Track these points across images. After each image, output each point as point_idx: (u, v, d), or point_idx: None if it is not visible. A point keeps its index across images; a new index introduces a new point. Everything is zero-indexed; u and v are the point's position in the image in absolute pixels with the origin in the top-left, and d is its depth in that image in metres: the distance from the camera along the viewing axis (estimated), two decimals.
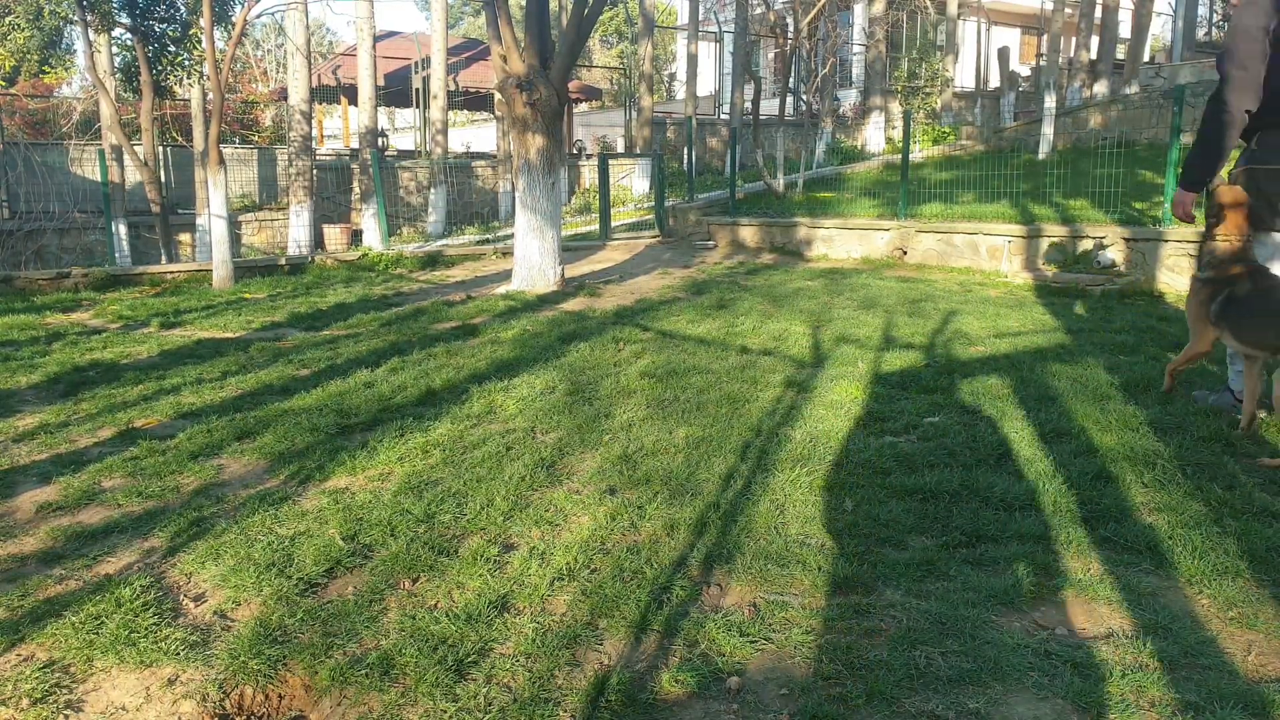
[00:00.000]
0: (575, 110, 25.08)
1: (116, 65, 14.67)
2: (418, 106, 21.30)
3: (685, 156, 16.00)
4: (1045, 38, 23.32)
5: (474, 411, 4.36)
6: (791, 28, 18.03)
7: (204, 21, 10.21)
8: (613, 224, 13.60)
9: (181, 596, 2.63)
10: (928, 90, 20.61)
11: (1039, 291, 7.56)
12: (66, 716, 2.10)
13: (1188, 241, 7.13)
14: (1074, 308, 6.72)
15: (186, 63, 14.32)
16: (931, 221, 9.63)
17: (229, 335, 6.76)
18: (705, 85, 26.37)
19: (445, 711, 2.03)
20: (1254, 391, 3.57)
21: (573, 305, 7.72)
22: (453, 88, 19.85)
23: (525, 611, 2.46)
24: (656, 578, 2.60)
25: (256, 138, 21.59)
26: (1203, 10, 24.36)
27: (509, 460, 3.63)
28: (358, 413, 4.39)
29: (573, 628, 2.36)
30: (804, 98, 18.52)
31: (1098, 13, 19.80)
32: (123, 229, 14.05)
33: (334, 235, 16.79)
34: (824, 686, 2.08)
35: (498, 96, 15.94)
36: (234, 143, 19.00)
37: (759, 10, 21.95)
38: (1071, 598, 2.45)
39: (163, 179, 14.97)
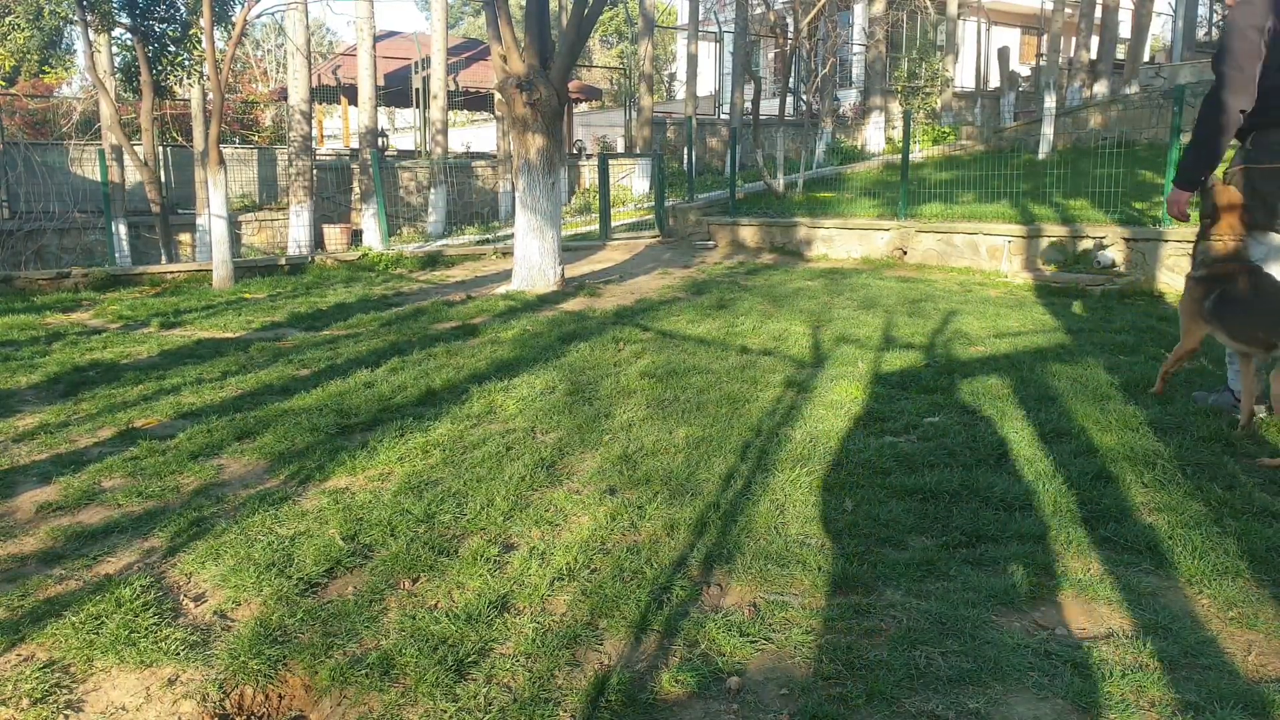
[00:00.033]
0: (575, 110, 25.09)
1: (116, 65, 14.67)
2: (418, 106, 21.30)
3: (685, 156, 16.01)
4: (1045, 38, 23.33)
5: (474, 411, 4.36)
6: (791, 28, 18.03)
7: (204, 21, 10.21)
8: (613, 224, 13.61)
9: (181, 596, 2.63)
10: (928, 90, 20.61)
11: (1039, 291, 7.56)
12: (66, 716, 2.09)
13: (1188, 241, 7.13)
14: (1074, 307, 6.72)
15: (186, 63, 14.33)
16: (931, 221, 9.63)
17: (229, 335, 6.76)
18: (705, 85, 26.37)
19: (445, 711, 2.03)
20: (1250, 390, 3.59)
21: (573, 305, 7.72)
22: (453, 88, 19.86)
23: (525, 611, 2.46)
24: (656, 578, 2.60)
25: (256, 138, 21.59)
26: (1202, 10, 24.36)
27: (509, 460, 3.63)
28: (358, 413, 4.39)
29: (573, 628, 2.36)
30: (804, 98, 18.52)
31: (1098, 13, 19.81)
32: (123, 229, 14.05)
33: (334, 235, 16.79)
34: (824, 686, 2.08)
35: (498, 96, 15.95)
36: (234, 143, 19.01)
37: (759, 10, 21.95)
38: (1071, 598, 2.45)
39: (163, 179, 14.97)
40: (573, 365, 5.24)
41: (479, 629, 2.36)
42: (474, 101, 24.95)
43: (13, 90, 21.11)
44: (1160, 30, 29.18)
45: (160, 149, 15.76)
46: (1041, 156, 14.32)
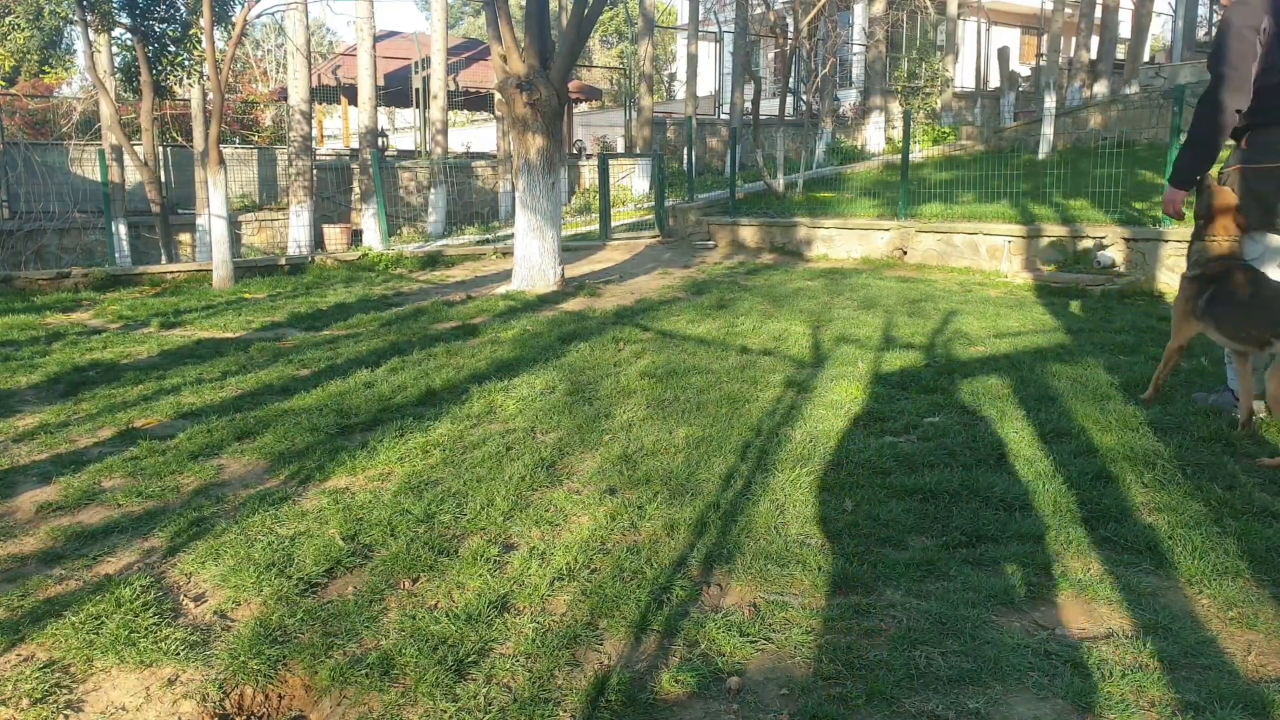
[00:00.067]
0: (575, 110, 25.08)
1: (116, 65, 14.67)
2: (418, 106, 21.30)
3: (685, 156, 16.01)
4: (1045, 38, 23.33)
5: (474, 411, 4.36)
6: (791, 28, 18.03)
7: (204, 21, 10.21)
8: (613, 224, 13.61)
9: (181, 596, 2.63)
10: (928, 90, 20.61)
11: (1039, 291, 7.56)
12: (66, 716, 2.09)
13: (1187, 242, 7.13)
14: (1073, 307, 6.72)
15: (186, 63, 14.33)
16: (931, 221, 9.63)
17: (229, 335, 6.77)
18: (705, 85, 26.37)
19: (445, 711, 2.03)
20: (1248, 388, 3.59)
21: (573, 305, 7.72)
22: (453, 88, 19.85)
23: (525, 611, 2.46)
24: (656, 578, 2.60)
25: (256, 138, 21.59)
26: (1202, 10, 24.36)
27: (509, 460, 3.63)
28: (358, 413, 4.39)
29: (573, 628, 2.36)
30: (804, 98, 18.52)
31: (1098, 13, 19.81)
32: (123, 229, 14.05)
33: (334, 235, 16.79)
34: (824, 686, 2.08)
35: (498, 96, 15.94)
36: (234, 143, 19.00)
37: (759, 10, 21.94)
38: (1071, 598, 2.45)
39: (163, 179, 14.97)
40: (573, 365, 5.24)
41: (479, 629, 2.36)
42: (474, 101, 24.95)
43: (13, 90, 21.12)
44: (1160, 30, 29.20)
45: (160, 149, 15.76)
46: (1041, 156, 14.32)
